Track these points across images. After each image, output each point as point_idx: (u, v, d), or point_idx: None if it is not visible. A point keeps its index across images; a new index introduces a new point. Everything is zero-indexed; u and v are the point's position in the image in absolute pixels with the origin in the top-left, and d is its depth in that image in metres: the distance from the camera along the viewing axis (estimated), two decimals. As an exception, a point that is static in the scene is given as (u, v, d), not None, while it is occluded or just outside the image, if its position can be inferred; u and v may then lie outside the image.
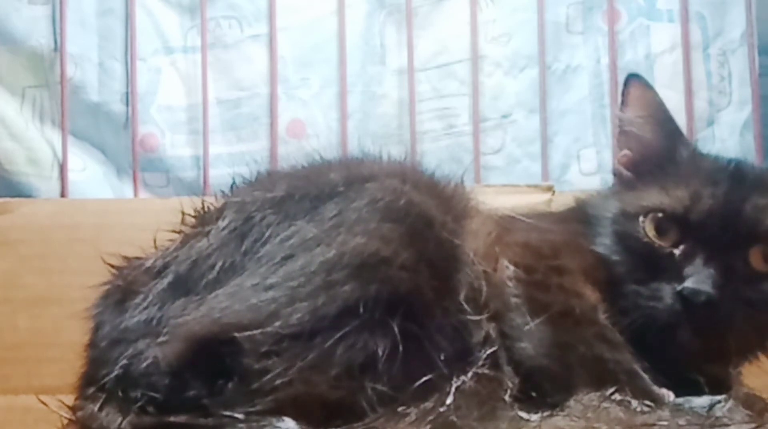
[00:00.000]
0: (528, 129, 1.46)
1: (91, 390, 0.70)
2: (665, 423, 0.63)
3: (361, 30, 1.46)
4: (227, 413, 0.63)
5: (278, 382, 0.64)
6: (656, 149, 0.83)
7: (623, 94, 0.84)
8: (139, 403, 0.66)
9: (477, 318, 0.70)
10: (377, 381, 0.64)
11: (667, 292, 0.74)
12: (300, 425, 0.63)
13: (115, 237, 1.10)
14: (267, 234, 0.71)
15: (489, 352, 0.69)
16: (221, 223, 0.73)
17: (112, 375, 0.68)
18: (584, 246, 0.79)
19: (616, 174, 0.86)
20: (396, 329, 0.65)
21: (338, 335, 0.64)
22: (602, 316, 0.73)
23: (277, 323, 0.65)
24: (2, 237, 1.21)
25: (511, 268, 0.74)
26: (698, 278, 0.73)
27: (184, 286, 0.70)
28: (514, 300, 0.73)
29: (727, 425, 0.64)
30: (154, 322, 0.69)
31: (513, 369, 0.69)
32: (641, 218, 0.78)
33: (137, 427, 0.66)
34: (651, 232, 0.77)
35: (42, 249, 1.20)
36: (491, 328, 0.70)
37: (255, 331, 0.65)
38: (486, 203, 0.81)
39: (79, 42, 1.42)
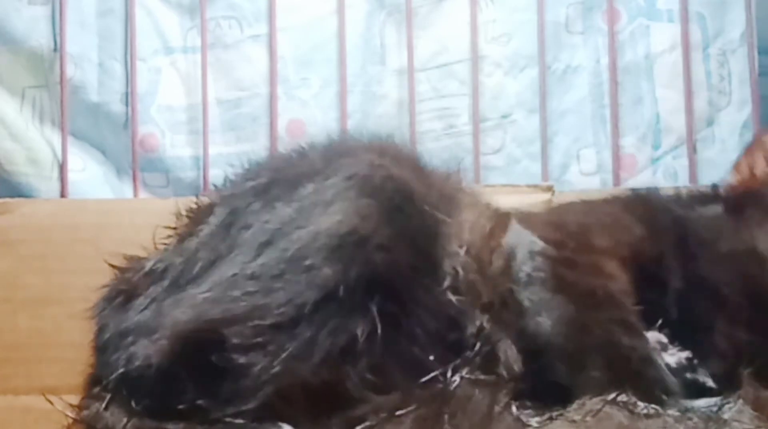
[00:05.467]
0: (528, 129, 1.45)
1: (97, 389, 0.70)
2: (669, 429, 0.62)
3: (361, 30, 1.46)
4: (227, 419, 0.63)
5: (264, 374, 0.63)
6: None
7: None
8: (140, 404, 0.66)
9: (466, 307, 0.69)
10: (360, 364, 0.64)
11: None
12: (289, 415, 0.63)
13: (115, 237, 1.10)
14: (250, 221, 0.70)
15: (486, 350, 0.68)
16: (212, 220, 0.73)
17: (115, 375, 0.68)
18: (625, 227, 0.76)
19: (725, 197, 0.81)
20: (375, 311, 0.64)
21: (319, 321, 0.64)
22: (629, 300, 0.70)
23: (258, 315, 0.64)
24: (2, 237, 1.20)
25: (540, 243, 0.72)
26: None
27: (179, 285, 0.71)
28: (538, 274, 0.71)
29: (735, 429, 0.63)
30: (152, 322, 0.69)
31: (521, 357, 0.68)
32: None
33: (140, 428, 0.66)
34: None
35: (42, 249, 1.20)
36: (485, 321, 0.70)
37: (237, 326, 0.64)
38: (482, 200, 0.81)
39: (79, 42, 1.41)
